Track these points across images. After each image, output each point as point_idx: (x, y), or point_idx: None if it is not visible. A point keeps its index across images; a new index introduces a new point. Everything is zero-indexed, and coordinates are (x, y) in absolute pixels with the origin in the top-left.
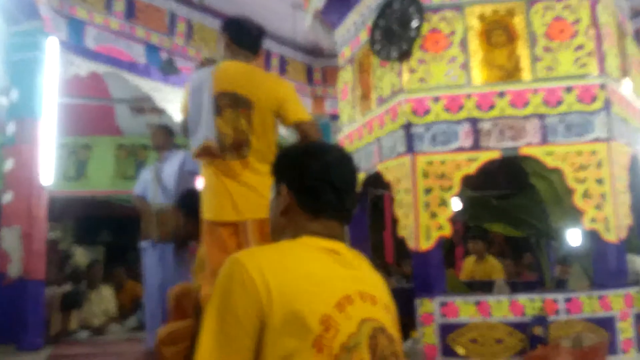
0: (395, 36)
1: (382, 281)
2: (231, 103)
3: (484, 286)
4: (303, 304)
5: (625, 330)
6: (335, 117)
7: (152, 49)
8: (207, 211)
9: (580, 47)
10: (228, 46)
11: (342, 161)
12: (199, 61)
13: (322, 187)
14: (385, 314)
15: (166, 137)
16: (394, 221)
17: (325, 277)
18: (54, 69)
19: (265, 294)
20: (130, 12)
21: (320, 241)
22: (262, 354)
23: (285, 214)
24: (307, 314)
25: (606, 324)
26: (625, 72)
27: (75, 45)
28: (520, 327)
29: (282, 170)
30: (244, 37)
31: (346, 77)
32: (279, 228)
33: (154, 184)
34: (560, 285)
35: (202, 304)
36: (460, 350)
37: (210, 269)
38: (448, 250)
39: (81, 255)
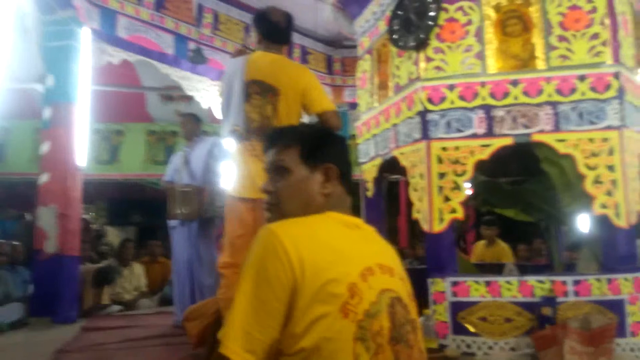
0: (413, 26)
1: (396, 255)
2: (259, 90)
3: (494, 269)
4: (332, 273)
5: (634, 313)
6: (353, 105)
7: (180, 39)
8: (232, 187)
9: (595, 36)
10: (260, 40)
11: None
12: (236, 49)
13: (350, 168)
14: (402, 285)
15: (194, 125)
16: (408, 206)
17: (350, 249)
18: (87, 56)
19: (298, 263)
20: (160, 3)
21: (342, 217)
22: (292, 317)
23: (332, 194)
24: (336, 282)
25: (615, 307)
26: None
27: (108, 34)
28: (529, 307)
29: (329, 154)
30: (273, 32)
31: (365, 66)
32: (317, 207)
33: (182, 168)
34: (569, 269)
35: (220, 272)
36: (470, 328)
37: (228, 238)
38: (460, 235)
39: (113, 235)
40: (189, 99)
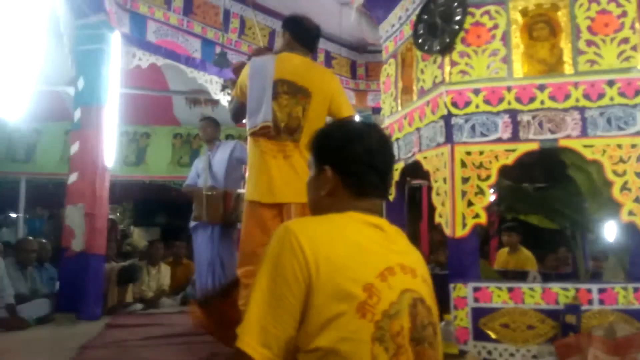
0: (438, 30)
1: (421, 256)
2: (289, 91)
3: (517, 276)
4: (348, 272)
5: None
6: (377, 110)
7: (207, 44)
8: (252, 192)
9: (624, 41)
10: (288, 42)
11: (383, 144)
12: (255, 49)
13: (366, 171)
14: (424, 286)
15: (214, 129)
16: (431, 212)
17: (370, 249)
18: (117, 60)
19: (314, 261)
20: (188, 8)
21: (364, 216)
22: (308, 314)
23: (331, 194)
24: (352, 281)
25: None
26: None
27: (137, 39)
28: (552, 314)
29: (327, 153)
30: (303, 35)
31: (389, 70)
32: (323, 207)
33: (205, 171)
34: (595, 278)
35: (243, 282)
36: (492, 334)
37: (250, 248)
38: (483, 242)
39: (138, 235)
40: (215, 102)
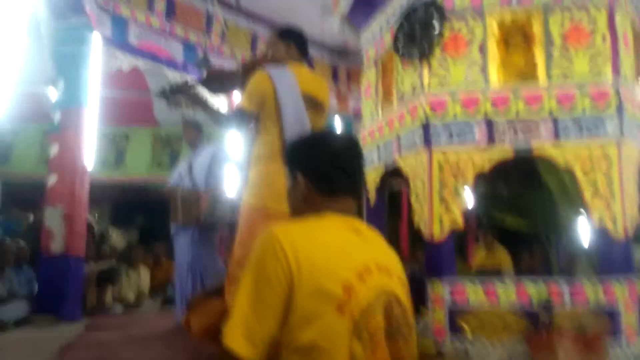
0: (417, 38)
1: (396, 257)
2: (310, 105)
3: (493, 276)
4: (328, 272)
5: (629, 320)
6: (357, 115)
7: (189, 47)
8: (258, 198)
9: (596, 53)
10: (293, 53)
11: (348, 146)
12: (259, 58)
13: (333, 171)
14: (400, 286)
15: (196, 132)
16: (410, 215)
17: (348, 250)
18: (97, 62)
19: (295, 263)
20: (170, 11)
21: (341, 218)
22: (290, 313)
23: (305, 199)
24: (332, 281)
25: (610, 313)
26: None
27: (118, 41)
28: (526, 312)
29: (297, 160)
30: (305, 47)
31: (370, 76)
32: (301, 212)
33: (186, 174)
34: (567, 277)
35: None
36: (467, 332)
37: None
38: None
39: (117, 237)
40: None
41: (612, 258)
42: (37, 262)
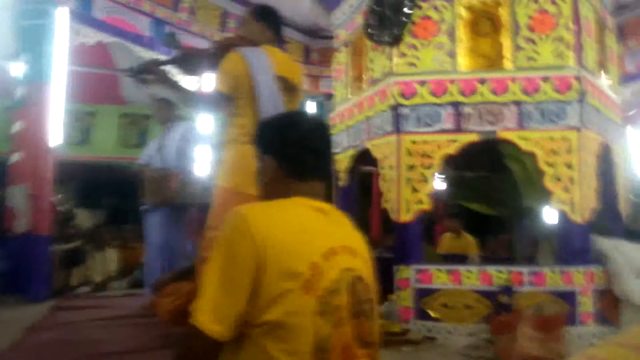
0: (388, 21)
1: (362, 238)
2: (285, 87)
3: (459, 260)
4: (294, 252)
5: (585, 304)
6: (329, 96)
7: (157, 23)
8: (231, 180)
9: (559, 40)
10: (266, 34)
11: (317, 128)
12: (234, 37)
13: (301, 154)
14: (364, 266)
15: (168, 110)
16: (380, 198)
17: (314, 231)
18: (62, 36)
19: (262, 243)
20: None
21: (309, 201)
22: (257, 292)
23: (273, 181)
24: (298, 261)
25: (568, 297)
26: (602, 65)
27: (83, 15)
28: (488, 295)
29: (265, 142)
30: (278, 27)
31: (341, 58)
32: (270, 193)
33: (156, 153)
34: (530, 262)
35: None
36: (432, 313)
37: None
38: (428, 227)
39: (83, 217)
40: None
41: (571, 242)
42: (1, 242)
